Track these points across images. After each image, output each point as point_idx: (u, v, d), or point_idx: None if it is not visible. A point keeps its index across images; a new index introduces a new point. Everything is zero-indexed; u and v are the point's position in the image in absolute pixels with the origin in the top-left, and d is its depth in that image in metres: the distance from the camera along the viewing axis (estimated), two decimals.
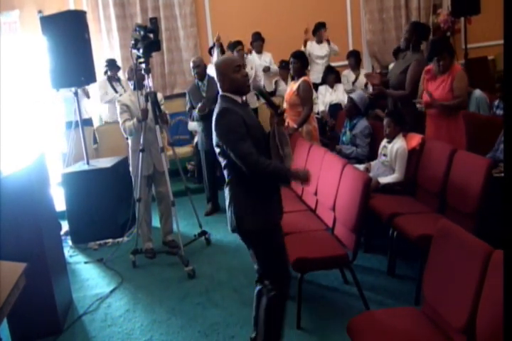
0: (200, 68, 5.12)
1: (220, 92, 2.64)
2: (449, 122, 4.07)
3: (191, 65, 5.11)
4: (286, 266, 2.70)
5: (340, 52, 7.06)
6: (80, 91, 5.98)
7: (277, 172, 2.51)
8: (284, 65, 6.54)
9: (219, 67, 2.64)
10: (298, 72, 4.78)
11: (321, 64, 6.92)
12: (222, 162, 2.60)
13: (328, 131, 4.87)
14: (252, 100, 6.38)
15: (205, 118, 4.87)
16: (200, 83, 5.16)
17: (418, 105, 4.12)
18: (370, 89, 6.61)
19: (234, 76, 2.57)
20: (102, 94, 6.36)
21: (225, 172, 2.62)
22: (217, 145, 2.56)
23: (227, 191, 2.63)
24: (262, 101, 6.42)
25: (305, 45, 6.81)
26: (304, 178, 2.57)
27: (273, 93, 6.95)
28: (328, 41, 6.92)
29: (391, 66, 6.83)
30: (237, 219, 2.57)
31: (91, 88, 6.19)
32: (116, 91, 6.29)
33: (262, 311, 2.68)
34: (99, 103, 6.56)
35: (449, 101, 4.00)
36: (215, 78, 2.68)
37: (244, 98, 2.68)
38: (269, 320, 2.67)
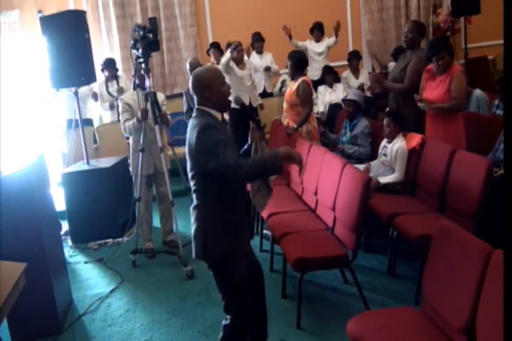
0: None
1: (197, 106, 2.36)
2: (448, 123, 4.06)
3: (187, 66, 4.97)
4: (246, 300, 2.45)
5: (340, 52, 7.06)
6: (88, 91, 5.98)
7: (263, 166, 2.25)
8: None
9: (206, 78, 2.31)
10: (295, 72, 4.77)
11: (319, 61, 6.95)
12: (193, 186, 2.37)
13: (320, 135, 4.88)
14: (256, 97, 6.40)
15: None
16: None
17: (419, 103, 4.12)
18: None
19: (221, 89, 2.31)
20: (101, 102, 6.33)
21: (194, 197, 2.40)
22: (192, 169, 2.32)
23: (193, 217, 2.41)
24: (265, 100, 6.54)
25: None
26: (297, 159, 2.28)
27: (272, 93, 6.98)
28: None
29: (390, 64, 6.85)
30: (202, 246, 2.37)
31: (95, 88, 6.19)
32: (111, 95, 6.27)
33: None
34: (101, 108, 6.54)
35: (445, 103, 3.99)
36: (191, 90, 2.38)
37: (223, 115, 2.42)
38: None
